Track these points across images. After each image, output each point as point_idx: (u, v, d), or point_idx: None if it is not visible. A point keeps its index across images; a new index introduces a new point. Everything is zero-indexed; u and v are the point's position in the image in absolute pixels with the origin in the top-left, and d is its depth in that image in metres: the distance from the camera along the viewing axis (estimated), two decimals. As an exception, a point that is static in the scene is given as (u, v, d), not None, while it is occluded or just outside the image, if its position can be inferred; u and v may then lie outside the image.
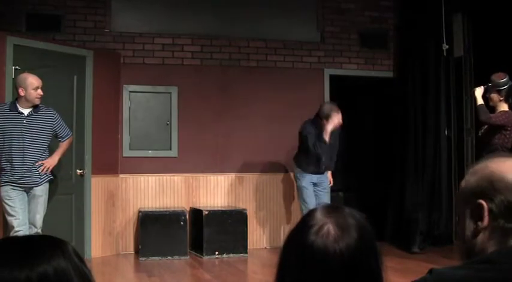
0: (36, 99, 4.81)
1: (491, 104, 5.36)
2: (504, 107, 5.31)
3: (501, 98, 5.29)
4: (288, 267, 1.16)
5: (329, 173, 6.31)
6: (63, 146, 5.12)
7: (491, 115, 5.23)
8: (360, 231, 1.17)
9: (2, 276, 0.86)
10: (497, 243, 1.19)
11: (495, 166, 1.22)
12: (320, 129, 5.91)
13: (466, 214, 1.24)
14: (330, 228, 1.15)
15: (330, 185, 6.30)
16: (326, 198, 6.23)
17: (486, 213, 1.20)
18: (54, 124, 4.98)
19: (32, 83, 4.77)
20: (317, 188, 6.22)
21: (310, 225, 1.17)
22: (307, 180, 6.12)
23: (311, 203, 6.07)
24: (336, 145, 6.21)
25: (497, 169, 1.21)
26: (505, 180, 1.19)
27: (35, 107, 4.87)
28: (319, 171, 6.17)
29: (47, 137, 4.95)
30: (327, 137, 5.86)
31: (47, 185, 4.94)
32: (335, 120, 5.87)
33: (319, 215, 1.19)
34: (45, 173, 4.91)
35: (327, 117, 5.86)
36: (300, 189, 6.21)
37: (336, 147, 6.22)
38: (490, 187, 1.20)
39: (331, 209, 1.22)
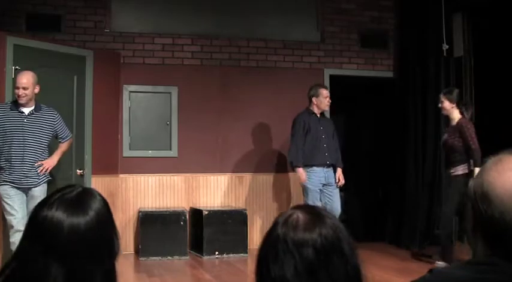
0: (19, 97, 4.77)
1: (444, 112, 5.65)
2: (456, 113, 5.57)
3: (453, 105, 5.57)
4: (265, 268, 1.16)
5: (339, 171, 6.02)
6: (62, 147, 5.10)
7: (472, 147, 5.38)
8: (331, 219, 1.18)
9: (68, 221, 1.26)
10: (496, 249, 1.19)
11: (491, 175, 1.20)
12: (314, 116, 5.95)
13: (476, 204, 1.23)
14: (298, 215, 1.17)
15: (340, 184, 5.97)
16: (338, 196, 5.94)
17: (493, 210, 1.19)
18: (55, 124, 4.97)
19: (16, 82, 4.81)
20: (328, 188, 5.91)
21: (278, 220, 1.20)
22: (315, 181, 5.85)
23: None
24: (336, 138, 6.10)
25: (491, 180, 1.20)
26: (494, 193, 1.18)
27: (36, 106, 4.86)
28: (329, 162, 5.90)
29: (47, 136, 4.93)
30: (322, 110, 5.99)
31: (45, 186, 4.91)
32: (324, 94, 5.92)
33: (288, 210, 1.22)
34: (44, 174, 4.89)
35: (316, 94, 5.93)
36: (305, 191, 5.93)
37: (337, 140, 6.09)
38: (483, 195, 1.20)
39: (300, 205, 1.26)
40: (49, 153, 5.01)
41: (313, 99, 5.97)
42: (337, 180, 5.98)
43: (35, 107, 4.86)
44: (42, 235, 1.25)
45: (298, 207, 1.22)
